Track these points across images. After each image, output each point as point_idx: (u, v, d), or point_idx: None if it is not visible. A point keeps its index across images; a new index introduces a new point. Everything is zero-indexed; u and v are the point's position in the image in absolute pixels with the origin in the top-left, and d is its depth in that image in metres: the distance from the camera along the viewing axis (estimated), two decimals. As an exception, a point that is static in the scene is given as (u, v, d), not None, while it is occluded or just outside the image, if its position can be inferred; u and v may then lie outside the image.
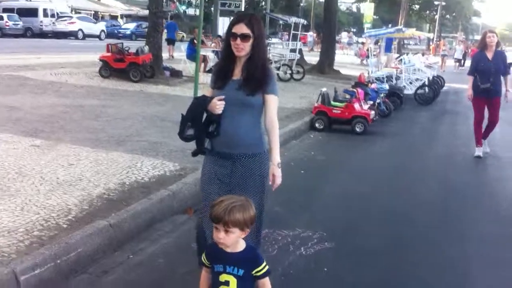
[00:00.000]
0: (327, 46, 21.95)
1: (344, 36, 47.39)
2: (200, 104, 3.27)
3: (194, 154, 3.38)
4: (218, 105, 3.15)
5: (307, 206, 5.56)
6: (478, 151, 8.12)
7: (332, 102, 10.09)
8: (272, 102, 3.21)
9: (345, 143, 9.10)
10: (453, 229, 5.16)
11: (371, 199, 5.93)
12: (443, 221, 5.37)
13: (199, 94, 4.42)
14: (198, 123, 3.25)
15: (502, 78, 7.98)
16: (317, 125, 9.79)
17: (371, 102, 11.01)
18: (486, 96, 7.92)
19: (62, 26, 35.31)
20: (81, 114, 8.50)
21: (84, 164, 5.70)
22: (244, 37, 3.11)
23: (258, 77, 3.14)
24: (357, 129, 9.63)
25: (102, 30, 37.98)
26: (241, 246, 2.44)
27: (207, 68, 15.81)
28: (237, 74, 3.21)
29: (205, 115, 3.24)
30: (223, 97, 3.16)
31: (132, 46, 14.32)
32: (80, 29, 35.35)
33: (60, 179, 5.12)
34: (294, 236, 4.62)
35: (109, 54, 13.67)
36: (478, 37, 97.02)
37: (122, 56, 13.47)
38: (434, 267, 4.26)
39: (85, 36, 35.37)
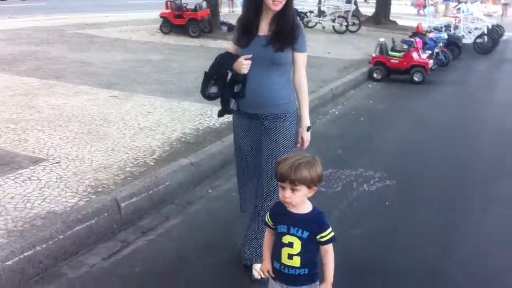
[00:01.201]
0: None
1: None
2: (224, 61, 3.08)
3: (220, 114, 3.23)
4: (244, 65, 2.98)
5: (368, 150, 5.88)
6: None
7: (390, 52, 10.22)
8: (301, 60, 3.05)
9: (404, 92, 9.26)
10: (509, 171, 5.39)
11: (429, 145, 6.20)
12: (500, 164, 5.59)
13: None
14: (222, 82, 3.11)
15: None
16: (375, 75, 9.96)
17: (430, 52, 11.04)
18: None
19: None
20: (150, 68, 9.00)
21: (160, 112, 6.20)
22: None
23: (288, 32, 2.95)
24: (416, 79, 9.75)
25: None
26: (307, 207, 2.30)
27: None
28: (264, 29, 2.99)
29: (230, 74, 3.09)
30: (250, 56, 2.98)
31: (190, 2, 14.69)
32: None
33: (141, 125, 5.63)
34: (357, 175, 4.97)
35: (168, 10, 14.09)
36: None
37: (181, 12, 13.88)
38: (495, 201, 4.54)
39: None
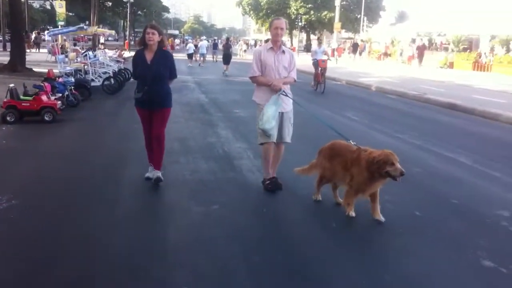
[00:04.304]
0: (17, 44, 21.96)
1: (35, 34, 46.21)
2: None
3: None
4: None
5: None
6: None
7: (22, 97, 10.95)
8: None
9: (34, 131, 10.11)
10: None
11: (53, 168, 7.28)
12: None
13: None
14: None
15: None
16: (8, 118, 10.54)
17: (60, 94, 12.20)
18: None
19: None
20: None
21: None
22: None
23: None
24: (46, 118, 10.75)
25: None
26: None
27: None
28: None
29: None
30: None
31: None
32: None
33: None
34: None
35: None
36: (171, 31, 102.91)
37: None
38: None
39: None
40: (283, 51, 6.46)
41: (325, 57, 20.12)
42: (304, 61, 29.74)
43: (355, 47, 47.68)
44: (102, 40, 43.61)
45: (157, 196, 6.27)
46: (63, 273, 4.16)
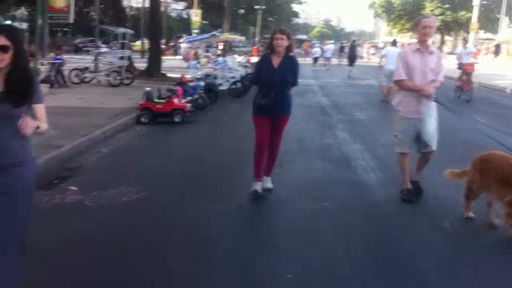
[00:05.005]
0: (153, 52, 23.71)
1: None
2: None
3: None
4: None
5: (129, 174, 7.29)
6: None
7: (155, 99, 11.90)
8: (41, 110, 3.30)
9: (167, 131, 10.93)
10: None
11: (178, 165, 7.91)
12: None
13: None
14: None
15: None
16: (142, 119, 11.50)
17: (190, 98, 13.05)
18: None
19: None
20: None
21: None
22: (4, 49, 3.09)
23: (22, 89, 3.16)
24: (176, 119, 11.55)
25: None
26: None
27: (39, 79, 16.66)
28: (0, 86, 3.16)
29: None
30: None
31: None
32: None
33: None
34: (120, 192, 6.31)
35: None
36: (300, 36, 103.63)
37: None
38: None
39: None
40: (431, 52, 6.10)
41: (472, 60, 18.39)
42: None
43: (497, 49, 44.90)
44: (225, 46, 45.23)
45: (269, 192, 6.53)
46: (178, 259, 4.59)
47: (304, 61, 35.86)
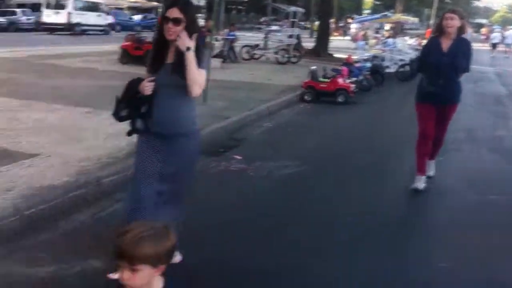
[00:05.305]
0: (322, 31, 23.82)
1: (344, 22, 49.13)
2: (133, 85, 3.37)
3: (129, 134, 3.48)
4: (147, 86, 3.26)
5: (290, 148, 7.50)
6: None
7: (320, 78, 12.01)
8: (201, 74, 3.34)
9: (329, 110, 11.00)
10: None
11: (339, 144, 7.92)
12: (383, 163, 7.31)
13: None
14: (131, 104, 3.36)
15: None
16: (306, 97, 11.69)
17: (355, 78, 12.93)
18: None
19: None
20: (113, 91, 10.41)
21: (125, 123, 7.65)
22: (176, 21, 3.20)
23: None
24: (339, 99, 11.55)
25: (111, 23, 38.43)
26: (157, 284, 1.86)
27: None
28: (171, 58, 3.31)
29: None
30: (152, 78, 3.29)
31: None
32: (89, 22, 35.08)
33: (111, 132, 7.07)
34: (280, 165, 6.53)
35: (128, 43, 15.61)
36: (479, 20, 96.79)
37: (140, 44, 15.41)
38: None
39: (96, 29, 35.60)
40: None
41: None
42: None
43: None
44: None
45: (430, 179, 6.27)
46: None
47: (481, 47, 33.45)
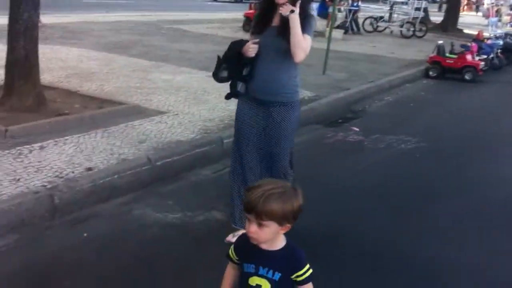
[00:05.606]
0: (451, 5, 22.59)
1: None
2: (235, 47, 3.29)
3: (228, 97, 3.44)
4: (251, 48, 3.18)
5: (410, 124, 7.32)
6: None
7: (447, 54, 11.48)
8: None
9: (454, 88, 10.50)
10: None
11: (461, 124, 7.60)
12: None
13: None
14: (232, 65, 3.29)
15: None
16: (431, 73, 11.25)
17: (485, 56, 12.21)
18: None
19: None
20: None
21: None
22: None
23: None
24: (467, 77, 10.98)
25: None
26: (280, 243, 1.90)
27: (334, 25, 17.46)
28: (277, 21, 3.23)
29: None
30: (257, 40, 3.21)
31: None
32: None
33: (233, 95, 7.32)
34: (398, 139, 6.40)
35: (251, 11, 15.86)
36: None
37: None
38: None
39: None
40: None
41: None
42: None
43: None
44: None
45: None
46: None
47: None
